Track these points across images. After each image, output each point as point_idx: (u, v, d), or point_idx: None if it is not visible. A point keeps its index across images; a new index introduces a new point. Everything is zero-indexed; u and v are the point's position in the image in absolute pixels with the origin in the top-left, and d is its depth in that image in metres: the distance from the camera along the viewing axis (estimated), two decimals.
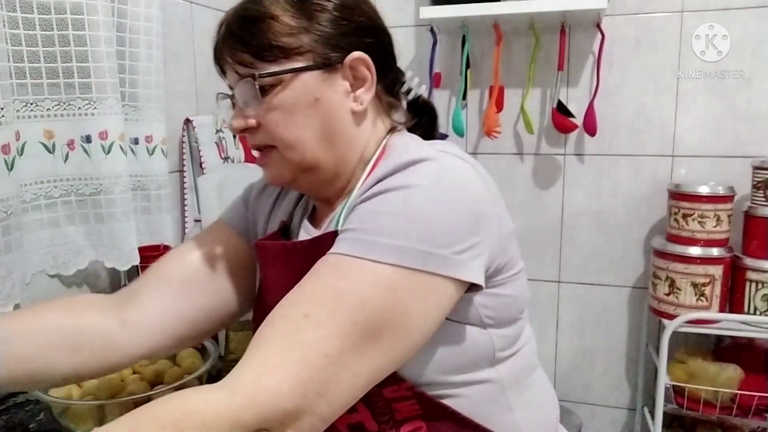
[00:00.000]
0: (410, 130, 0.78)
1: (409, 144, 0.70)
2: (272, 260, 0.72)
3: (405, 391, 0.64)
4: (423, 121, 0.80)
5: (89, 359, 0.73)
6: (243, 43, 0.65)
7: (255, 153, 0.72)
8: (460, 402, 0.66)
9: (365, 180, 0.68)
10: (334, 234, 0.64)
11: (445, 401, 0.66)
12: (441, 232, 0.58)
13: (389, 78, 0.73)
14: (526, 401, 0.72)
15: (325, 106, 0.67)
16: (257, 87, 0.65)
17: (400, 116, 0.76)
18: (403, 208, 0.58)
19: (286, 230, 0.78)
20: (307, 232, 0.73)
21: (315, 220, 0.76)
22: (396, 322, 0.56)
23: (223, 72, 0.71)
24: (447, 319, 0.62)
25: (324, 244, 0.64)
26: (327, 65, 0.66)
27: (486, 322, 0.66)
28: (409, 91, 0.77)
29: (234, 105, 0.69)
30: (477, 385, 0.67)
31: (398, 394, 0.64)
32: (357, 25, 0.68)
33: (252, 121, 0.68)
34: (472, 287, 0.62)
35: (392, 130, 0.74)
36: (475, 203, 0.61)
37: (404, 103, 0.78)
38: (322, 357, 0.53)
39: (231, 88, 0.70)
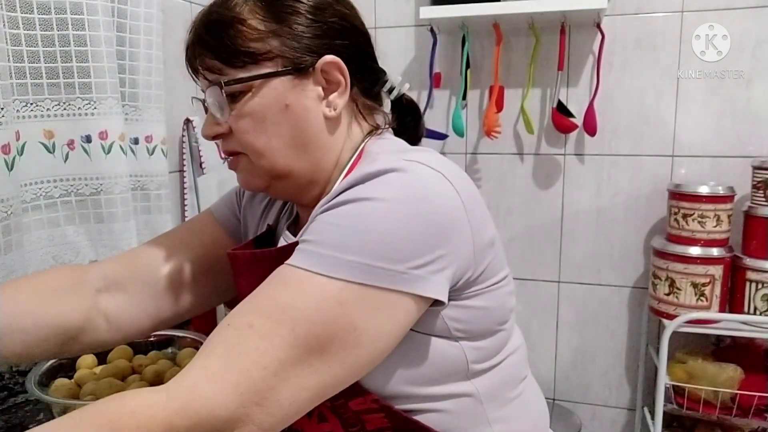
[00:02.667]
0: (396, 130, 0.75)
1: (382, 152, 0.67)
2: (242, 270, 0.71)
3: (371, 403, 0.63)
4: (407, 121, 0.77)
5: (72, 349, 0.77)
6: (210, 49, 0.63)
7: (227, 158, 0.71)
8: (434, 417, 0.64)
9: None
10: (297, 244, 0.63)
11: (417, 416, 0.64)
12: (396, 246, 0.55)
13: (367, 80, 0.71)
14: (507, 415, 0.69)
15: (296, 113, 0.64)
16: (224, 95, 0.63)
17: (380, 118, 0.74)
18: (358, 221, 0.56)
19: (271, 235, 0.77)
20: (285, 240, 0.71)
21: (297, 227, 0.75)
22: (343, 337, 0.55)
23: (196, 78, 0.70)
24: (412, 330, 0.60)
25: (290, 253, 0.62)
26: (297, 70, 0.64)
27: (456, 335, 0.63)
28: (392, 90, 0.75)
29: (206, 110, 0.68)
30: (452, 399, 0.65)
31: (365, 407, 0.63)
32: (329, 27, 0.65)
33: (222, 128, 0.66)
34: (437, 301, 0.59)
35: (371, 133, 0.72)
36: (440, 215, 0.58)
37: (388, 103, 0.76)
38: (261, 368, 0.53)
39: (203, 92, 0.68)
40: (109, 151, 1.06)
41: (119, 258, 0.82)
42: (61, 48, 1.01)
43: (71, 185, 1.06)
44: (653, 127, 1.68)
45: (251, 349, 0.53)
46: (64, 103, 1.03)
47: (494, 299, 0.65)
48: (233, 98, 0.64)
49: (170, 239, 0.82)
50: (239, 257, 0.71)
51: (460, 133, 1.73)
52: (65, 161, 1.05)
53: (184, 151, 1.38)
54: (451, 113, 1.76)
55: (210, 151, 1.41)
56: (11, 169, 0.89)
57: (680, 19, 1.62)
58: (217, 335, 0.56)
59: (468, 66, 1.70)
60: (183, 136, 1.38)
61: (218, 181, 1.34)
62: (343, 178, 0.67)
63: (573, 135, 1.75)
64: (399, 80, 0.75)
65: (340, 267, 0.55)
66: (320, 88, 0.65)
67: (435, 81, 1.79)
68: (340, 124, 0.68)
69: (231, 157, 0.70)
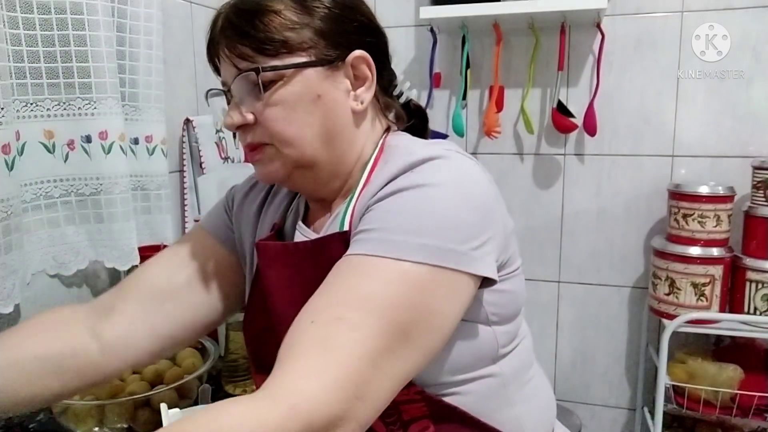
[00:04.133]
0: (402, 131, 0.77)
1: (411, 143, 0.69)
2: (272, 261, 0.71)
3: (414, 394, 0.64)
4: (415, 124, 0.79)
5: (71, 382, 0.73)
6: (244, 36, 0.63)
7: (246, 151, 0.70)
8: (464, 399, 0.66)
9: (367, 180, 0.67)
10: (341, 235, 0.64)
11: (449, 399, 0.66)
12: (459, 228, 0.58)
13: (385, 78, 0.72)
14: (527, 395, 0.72)
15: (327, 104, 0.65)
16: (260, 82, 0.63)
17: (394, 117, 0.76)
18: (421, 205, 0.58)
19: (279, 233, 0.77)
20: (303, 234, 0.72)
21: (308, 222, 0.75)
22: (424, 320, 0.56)
23: (215, 68, 0.70)
24: None
25: (329, 245, 0.63)
26: (329, 62, 0.65)
27: (491, 319, 0.66)
28: (400, 94, 0.76)
29: (229, 101, 0.68)
30: (479, 380, 0.67)
31: (407, 397, 0.64)
32: (359, 24, 0.67)
33: (250, 117, 0.66)
34: (482, 283, 0.62)
35: (387, 130, 0.73)
36: (484, 200, 0.61)
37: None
38: (359, 360, 0.52)
39: (224, 84, 0.68)
40: (109, 151, 1.06)
41: (113, 288, 0.81)
42: (61, 48, 1.01)
43: (71, 185, 1.06)
44: (653, 127, 1.68)
45: (345, 342, 0.52)
46: (64, 103, 1.03)
47: (518, 284, 0.69)
48: (262, 87, 0.64)
49: (160, 257, 0.82)
50: (270, 248, 0.71)
51: (460, 133, 1.73)
52: (65, 161, 1.05)
53: (184, 151, 1.38)
54: (451, 113, 1.76)
55: (210, 151, 1.41)
56: (11, 169, 0.89)
57: (680, 19, 1.62)
58: (302, 333, 0.54)
59: (468, 66, 1.70)
60: (183, 136, 1.38)
61: (218, 181, 1.34)
62: (369, 172, 0.68)
63: (573, 135, 1.75)
64: (407, 85, 0.77)
65: (413, 250, 0.56)
66: (348, 82, 0.67)
67: (435, 81, 1.79)
68: (365, 119, 0.70)
69: (251, 150, 0.69)
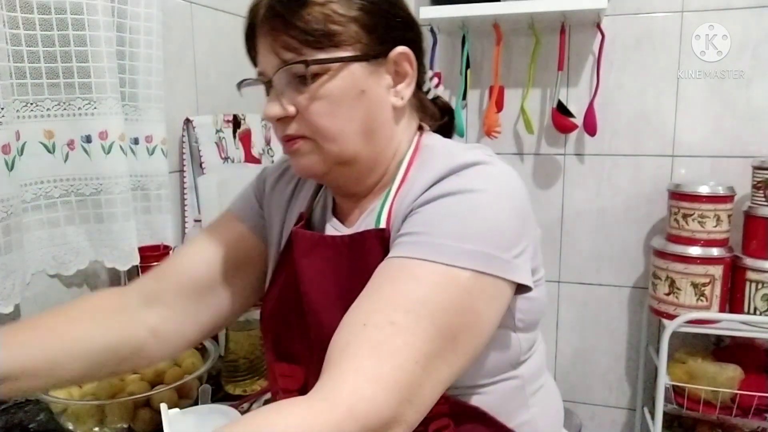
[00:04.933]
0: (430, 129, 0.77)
1: (449, 145, 0.70)
2: (308, 251, 0.70)
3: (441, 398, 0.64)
4: (444, 122, 0.80)
5: (119, 368, 0.76)
6: (289, 26, 0.61)
7: (282, 143, 0.69)
8: (485, 399, 0.67)
9: (404, 178, 0.67)
10: (378, 232, 0.64)
11: (471, 399, 0.66)
12: (503, 235, 0.59)
13: (421, 75, 0.72)
14: (541, 398, 0.73)
15: (370, 99, 0.65)
16: (309, 74, 0.62)
17: (425, 114, 0.76)
18: (468, 211, 0.59)
19: (308, 223, 0.76)
20: (335, 228, 0.72)
21: (339, 216, 0.75)
22: (470, 324, 0.57)
23: (253, 57, 0.69)
24: None
25: (367, 241, 0.64)
26: (374, 57, 0.64)
27: (518, 325, 0.67)
28: (428, 91, 0.77)
29: (268, 92, 0.67)
30: (501, 383, 0.68)
31: None
32: (401, 20, 0.67)
33: (292, 109, 0.64)
34: (516, 290, 0.62)
35: (420, 128, 0.74)
36: (522, 207, 0.62)
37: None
38: (414, 364, 0.52)
39: (262, 74, 0.66)
40: (109, 151, 1.06)
41: (152, 273, 0.81)
42: (61, 48, 1.00)
43: (71, 185, 1.06)
44: (653, 127, 1.68)
45: (400, 345, 0.53)
46: (64, 103, 1.03)
47: (542, 291, 0.70)
48: (306, 80, 0.62)
49: (195, 245, 0.82)
50: (308, 238, 0.71)
51: (460, 133, 1.73)
52: (65, 161, 1.05)
53: (184, 151, 1.38)
54: None
55: (210, 151, 1.41)
56: (11, 169, 0.89)
57: (680, 19, 1.62)
58: (356, 336, 0.54)
59: (468, 66, 1.70)
60: (183, 136, 1.38)
61: (218, 181, 1.34)
62: (405, 170, 0.68)
63: (573, 135, 1.75)
64: (434, 83, 0.78)
65: (462, 256, 0.57)
66: (390, 78, 0.67)
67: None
68: (403, 115, 0.70)
69: (288, 141, 0.67)
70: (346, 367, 0.52)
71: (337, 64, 0.62)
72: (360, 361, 0.52)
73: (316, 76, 0.62)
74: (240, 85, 0.72)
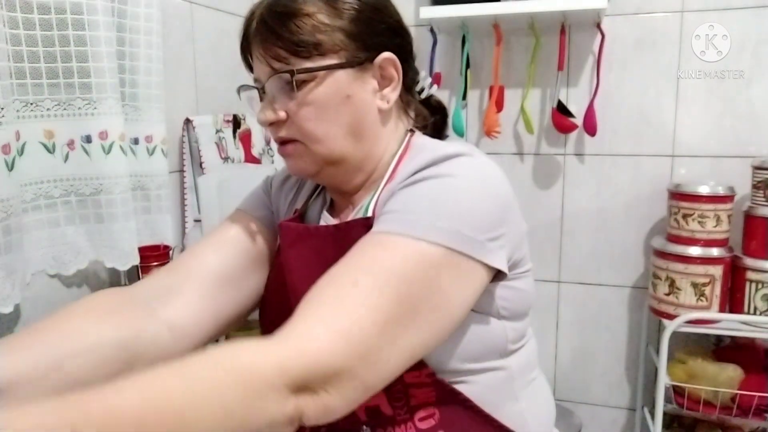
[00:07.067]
0: (421, 128, 0.79)
1: (437, 143, 0.73)
2: (294, 242, 0.74)
3: (425, 377, 0.66)
4: (436, 120, 0.82)
5: (138, 366, 0.71)
6: (279, 38, 0.66)
7: (277, 145, 0.74)
8: (472, 388, 0.68)
9: (392, 175, 0.70)
10: (365, 221, 0.67)
11: (458, 387, 0.68)
12: (477, 218, 0.61)
13: (409, 77, 0.75)
14: (531, 393, 0.75)
15: (356, 104, 0.69)
16: (296, 82, 0.66)
17: (414, 114, 0.79)
18: (444, 193, 0.62)
19: (302, 219, 0.80)
20: (326, 222, 0.76)
21: (334, 212, 0.79)
22: (434, 299, 0.59)
23: (248, 65, 0.73)
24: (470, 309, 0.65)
25: (352, 230, 0.67)
26: (359, 64, 0.68)
27: (502, 313, 0.69)
28: (421, 90, 0.79)
29: (261, 97, 0.71)
30: (488, 372, 0.70)
31: (418, 380, 0.66)
32: (387, 26, 0.71)
33: (282, 114, 0.69)
34: (495, 277, 0.65)
35: (412, 131, 0.76)
36: (502, 197, 0.66)
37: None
38: (369, 322, 0.55)
39: (257, 81, 0.71)
40: (109, 151, 1.06)
41: (164, 270, 0.81)
42: (61, 48, 1.00)
43: (71, 185, 1.06)
44: (653, 127, 1.68)
45: (358, 302, 0.56)
46: (64, 103, 1.03)
47: (529, 284, 0.73)
48: (295, 86, 0.67)
49: (211, 241, 0.83)
50: (293, 229, 0.75)
51: (460, 133, 1.73)
52: (65, 161, 1.05)
53: (184, 151, 1.38)
54: (451, 113, 1.76)
55: (210, 151, 1.41)
56: (11, 169, 0.88)
57: (680, 19, 1.62)
58: (320, 292, 0.58)
59: (468, 66, 1.70)
60: (183, 136, 1.38)
61: (218, 181, 1.34)
62: (394, 167, 0.71)
63: (573, 135, 1.75)
64: (428, 82, 0.80)
65: (435, 232, 0.59)
66: (375, 82, 0.70)
67: (435, 81, 1.78)
68: (390, 117, 0.73)
69: (282, 144, 0.72)
70: (306, 315, 0.56)
71: (322, 72, 0.67)
72: (320, 311, 0.55)
73: (303, 83, 0.67)
74: (239, 90, 0.76)
